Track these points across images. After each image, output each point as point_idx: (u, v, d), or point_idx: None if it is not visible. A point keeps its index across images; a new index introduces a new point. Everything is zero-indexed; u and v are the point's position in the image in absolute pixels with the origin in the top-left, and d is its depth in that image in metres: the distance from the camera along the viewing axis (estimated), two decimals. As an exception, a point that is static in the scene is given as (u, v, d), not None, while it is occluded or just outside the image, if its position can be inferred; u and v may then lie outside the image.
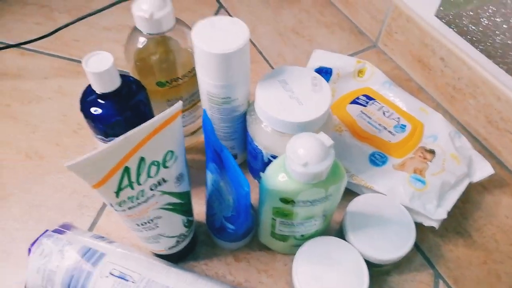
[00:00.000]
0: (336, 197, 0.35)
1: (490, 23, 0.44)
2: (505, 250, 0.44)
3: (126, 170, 0.29)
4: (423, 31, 0.54)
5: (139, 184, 0.30)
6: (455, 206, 0.45)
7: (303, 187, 0.31)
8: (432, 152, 0.46)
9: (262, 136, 0.39)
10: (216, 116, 0.40)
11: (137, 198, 0.31)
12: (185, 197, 0.35)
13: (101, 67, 0.31)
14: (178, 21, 0.38)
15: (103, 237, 0.37)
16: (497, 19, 0.43)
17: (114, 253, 0.35)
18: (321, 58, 0.55)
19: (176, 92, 0.42)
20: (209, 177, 0.37)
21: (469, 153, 0.47)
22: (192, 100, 0.44)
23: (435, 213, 0.42)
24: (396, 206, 0.41)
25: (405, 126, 0.48)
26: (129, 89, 0.35)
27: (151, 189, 0.31)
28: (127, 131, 0.27)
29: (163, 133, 0.29)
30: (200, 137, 0.50)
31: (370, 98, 0.50)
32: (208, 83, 0.37)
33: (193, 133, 0.48)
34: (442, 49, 0.52)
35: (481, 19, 0.45)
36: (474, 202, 0.47)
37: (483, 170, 0.46)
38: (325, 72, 0.51)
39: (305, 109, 0.36)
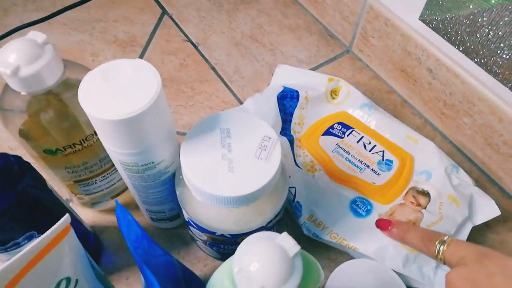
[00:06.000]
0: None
1: (491, 32, 0.35)
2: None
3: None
4: (405, 36, 0.45)
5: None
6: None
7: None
8: (426, 194, 0.37)
9: (197, 209, 0.29)
10: (140, 184, 0.30)
11: None
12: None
13: None
14: (70, 66, 0.28)
15: None
16: (499, 31, 0.34)
17: None
18: (285, 75, 0.46)
19: (77, 158, 0.31)
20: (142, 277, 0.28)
21: (469, 190, 0.38)
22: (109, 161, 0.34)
23: (435, 280, 0.33)
24: (387, 273, 0.32)
25: (391, 162, 0.39)
26: (9, 177, 0.24)
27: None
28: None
29: (46, 262, 0.19)
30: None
31: (347, 127, 0.41)
32: (116, 152, 0.27)
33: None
34: (430, 59, 0.43)
35: (479, 27, 0.35)
36: (476, 246, 0.39)
37: (486, 210, 0.38)
38: (290, 97, 0.42)
39: (237, 179, 0.26)
